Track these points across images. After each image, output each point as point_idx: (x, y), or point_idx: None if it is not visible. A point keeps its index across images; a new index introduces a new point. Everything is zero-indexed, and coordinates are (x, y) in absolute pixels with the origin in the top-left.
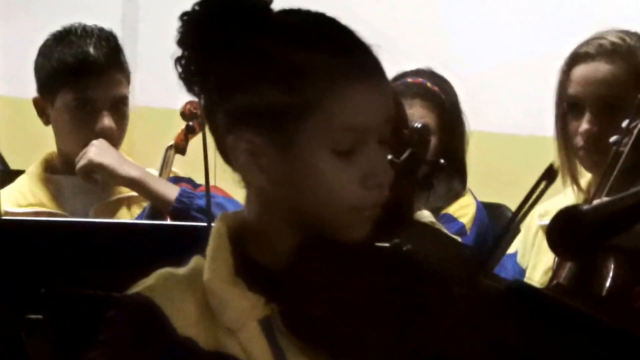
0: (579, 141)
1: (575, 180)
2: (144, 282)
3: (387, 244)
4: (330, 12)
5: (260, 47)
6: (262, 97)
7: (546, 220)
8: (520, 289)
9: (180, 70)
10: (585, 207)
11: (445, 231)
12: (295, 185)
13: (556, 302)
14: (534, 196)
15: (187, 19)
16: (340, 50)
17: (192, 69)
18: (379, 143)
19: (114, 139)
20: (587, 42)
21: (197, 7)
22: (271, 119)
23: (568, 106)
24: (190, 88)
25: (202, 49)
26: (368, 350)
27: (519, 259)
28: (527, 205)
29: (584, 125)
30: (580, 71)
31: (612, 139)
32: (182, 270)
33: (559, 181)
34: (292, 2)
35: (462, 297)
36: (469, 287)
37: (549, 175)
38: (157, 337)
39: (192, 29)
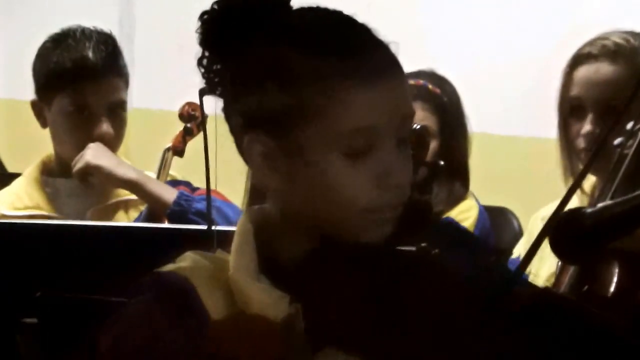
0: (581, 143)
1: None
2: (176, 263)
3: (413, 248)
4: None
5: (270, 48)
6: (271, 100)
7: None
8: (548, 297)
9: (202, 70)
10: (589, 210)
11: (470, 232)
12: (309, 187)
13: (585, 312)
14: None
15: (207, 18)
16: (348, 51)
17: (213, 69)
18: (398, 142)
19: (112, 144)
20: (590, 43)
21: (215, 7)
22: (282, 122)
23: (570, 107)
24: (212, 89)
25: (221, 49)
26: (387, 355)
27: None
28: None
29: (586, 127)
30: (583, 72)
31: (616, 141)
32: (209, 259)
33: (561, 184)
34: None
35: (490, 302)
36: (498, 293)
37: None
38: (193, 317)
39: (210, 28)
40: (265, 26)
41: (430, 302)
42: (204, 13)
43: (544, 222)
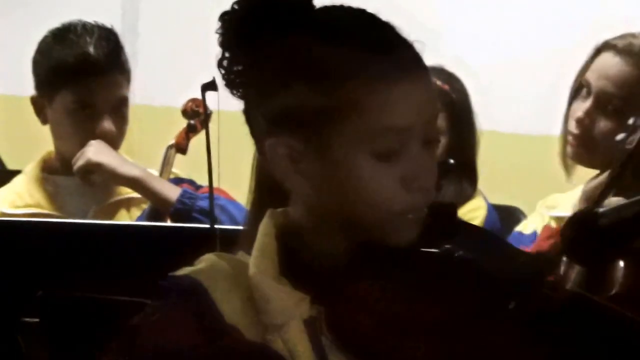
0: (573, 127)
1: (566, 166)
2: (194, 265)
3: (436, 250)
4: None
5: (297, 47)
6: (298, 100)
7: (555, 212)
8: (581, 300)
9: (222, 72)
10: (601, 209)
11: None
12: (337, 189)
13: (619, 315)
14: None
15: (227, 18)
16: (377, 49)
17: (234, 70)
18: (425, 143)
19: (114, 141)
20: (622, 36)
21: (236, 7)
22: (309, 122)
23: (578, 88)
24: (232, 91)
25: (243, 49)
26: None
27: None
28: None
29: (578, 113)
30: (601, 61)
31: (619, 137)
32: (228, 260)
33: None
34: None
35: (519, 308)
36: (527, 298)
37: None
38: (206, 320)
39: (232, 29)
40: (290, 25)
41: (456, 305)
42: (224, 13)
43: (549, 210)
